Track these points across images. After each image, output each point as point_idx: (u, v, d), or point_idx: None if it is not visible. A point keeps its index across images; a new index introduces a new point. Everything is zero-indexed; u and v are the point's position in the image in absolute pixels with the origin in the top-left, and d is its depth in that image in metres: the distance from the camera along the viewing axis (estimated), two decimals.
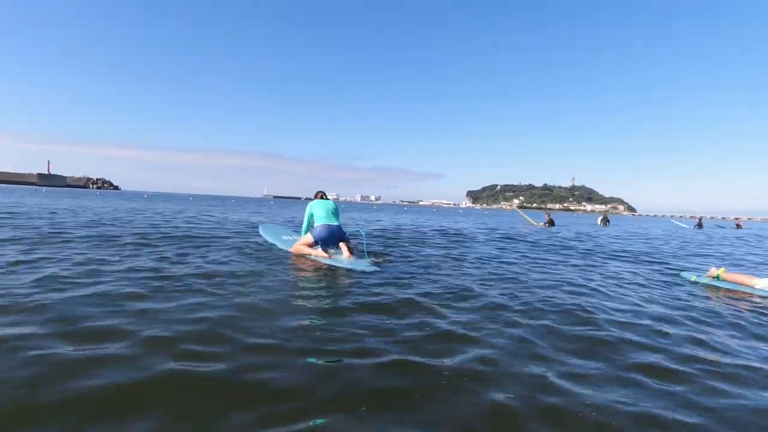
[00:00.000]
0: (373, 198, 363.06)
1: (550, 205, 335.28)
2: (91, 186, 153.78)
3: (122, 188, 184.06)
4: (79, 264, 4.10)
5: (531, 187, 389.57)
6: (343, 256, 5.35)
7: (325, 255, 5.30)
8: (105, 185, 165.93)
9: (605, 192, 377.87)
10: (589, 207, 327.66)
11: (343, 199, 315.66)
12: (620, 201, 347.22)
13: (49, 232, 6.38)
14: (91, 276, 3.61)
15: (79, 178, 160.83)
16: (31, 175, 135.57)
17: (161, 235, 6.83)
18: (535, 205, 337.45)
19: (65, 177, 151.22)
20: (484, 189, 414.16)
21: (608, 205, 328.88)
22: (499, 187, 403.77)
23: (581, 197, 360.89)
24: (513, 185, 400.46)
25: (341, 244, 5.58)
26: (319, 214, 5.60)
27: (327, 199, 5.96)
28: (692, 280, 5.38)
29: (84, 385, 1.72)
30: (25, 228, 6.86)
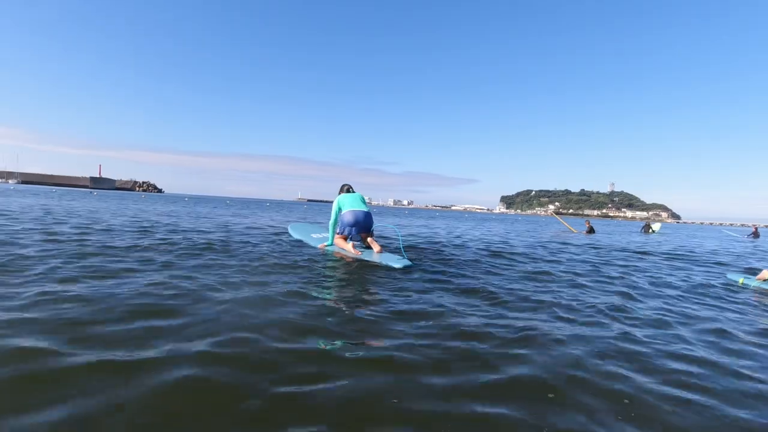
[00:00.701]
0: (405, 203, 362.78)
1: (587, 212, 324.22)
2: (137, 189, 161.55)
3: (165, 191, 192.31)
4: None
5: (567, 192, 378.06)
6: (374, 252, 5.24)
7: (358, 253, 5.20)
8: (149, 188, 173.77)
9: (647, 198, 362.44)
10: (629, 213, 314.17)
11: (376, 203, 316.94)
12: (663, 207, 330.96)
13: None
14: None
15: (127, 181, 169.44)
16: (84, 178, 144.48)
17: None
18: (571, 211, 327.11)
19: (114, 180, 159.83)
20: (518, 194, 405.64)
21: (650, 212, 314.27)
22: (533, 192, 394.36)
23: (621, 203, 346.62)
24: (548, 191, 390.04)
25: (370, 240, 5.47)
26: (345, 203, 5.54)
27: (354, 192, 5.81)
28: (740, 283, 5.15)
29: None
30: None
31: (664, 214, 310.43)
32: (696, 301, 4.11)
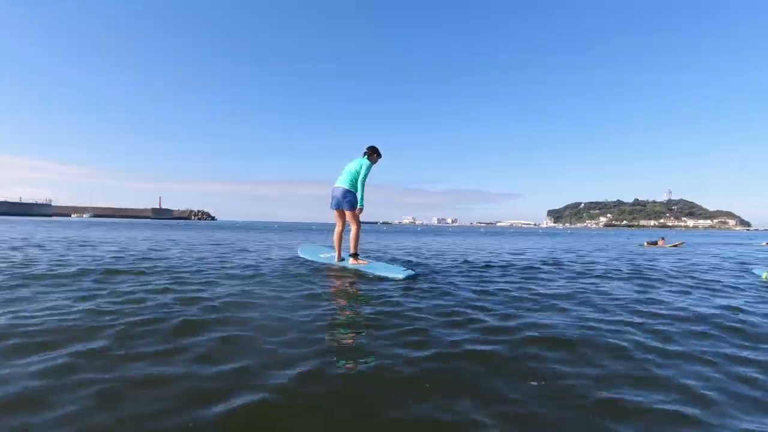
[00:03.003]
0: (449, 221, 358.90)
1: (643, 222, 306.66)
2: (192, 217, 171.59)
3: (218, 218, 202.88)
4: None
5: (619, 203, 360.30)
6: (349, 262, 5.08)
7: (364, 262, 5.12)
8: (204, 216, 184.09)
9: (710, 205, 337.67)
10: (690, 222, 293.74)
11: (419, 222, 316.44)
12: (730, 214, 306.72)
13: None
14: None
15: (183, 211, 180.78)
16: (147, 210, 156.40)
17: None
18: (624, 222, 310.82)
19: (172, 210, 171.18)
20: (566, 207, 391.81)
21: (714, 220, 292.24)
22: (582, 204, 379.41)
23: (680, 212, 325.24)
24: (598, 202, 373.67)
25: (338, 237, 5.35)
26: None
27: (364, 157, 5.20)
28: (764, 278, 4.98)
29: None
30: None
31: (731, 222, 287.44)
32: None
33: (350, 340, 2.41)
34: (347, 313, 3.09)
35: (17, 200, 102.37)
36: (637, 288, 4.54)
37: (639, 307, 3.50)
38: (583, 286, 4.57)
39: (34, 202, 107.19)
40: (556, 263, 7.06)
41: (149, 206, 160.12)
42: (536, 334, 2.61)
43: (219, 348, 2.22)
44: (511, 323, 2.84)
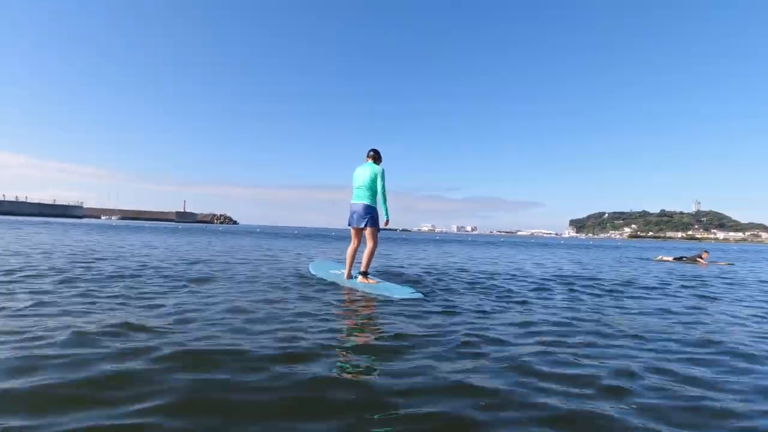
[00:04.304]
0: (469, 229, 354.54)
1: (669, 234, 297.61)
2: (215, 221, 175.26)
3: (240, 222, 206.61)
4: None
5: (645, 213, 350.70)
6: (358, 280, 4.91)
7: (373, 281, 4.97)
8: (226, 220, 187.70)
9: (742, 217, 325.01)
10: (720, 235, 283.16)
11: (439, 230, 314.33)
12: (762, 227, 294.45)
13: None
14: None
15: (206, 215, 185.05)
16: (171, 213, 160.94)
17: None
18: (651, 233, 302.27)
19: (196, 214, 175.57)
20: (589, 217, 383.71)
21: (747, 233, 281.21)
22: (606, 214, 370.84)
23: (710, 224, 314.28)
24: (623, 212, 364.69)
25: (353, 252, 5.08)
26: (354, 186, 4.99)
27: (369, 161, 5.02)
28: None
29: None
30: None
31: (764, 235, 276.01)
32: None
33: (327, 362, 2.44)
34: (335, 333, 3.10)
35: (52, 202, 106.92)
36: None
37: None
38: None
39: (68, 204, 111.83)
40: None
41: (173, 209, 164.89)
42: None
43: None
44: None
